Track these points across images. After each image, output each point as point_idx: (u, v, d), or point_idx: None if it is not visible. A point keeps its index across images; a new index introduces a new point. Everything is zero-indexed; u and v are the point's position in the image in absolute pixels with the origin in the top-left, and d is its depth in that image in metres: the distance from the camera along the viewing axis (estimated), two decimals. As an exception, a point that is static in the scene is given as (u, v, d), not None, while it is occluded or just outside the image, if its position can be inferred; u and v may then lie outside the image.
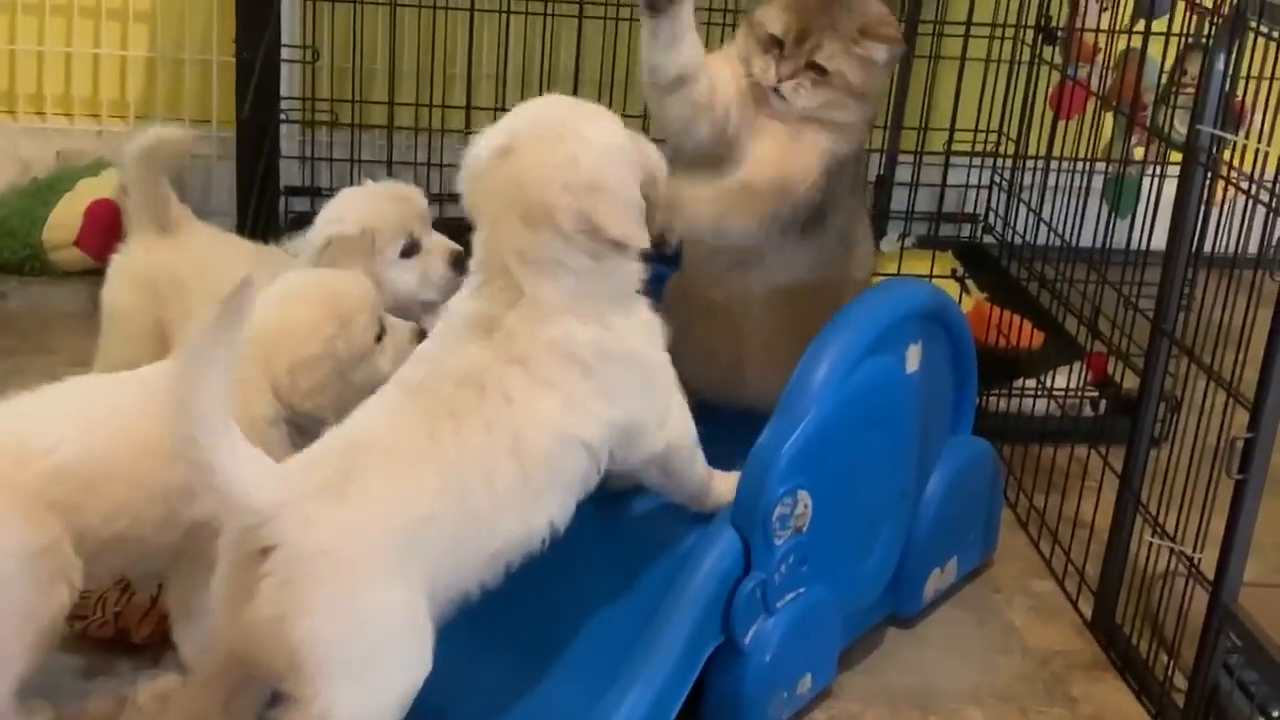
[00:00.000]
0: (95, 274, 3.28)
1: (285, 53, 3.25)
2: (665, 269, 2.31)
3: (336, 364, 1.96)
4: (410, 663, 1.67)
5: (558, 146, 1.79)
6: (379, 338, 2.01)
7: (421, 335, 2.04)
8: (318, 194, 3.39)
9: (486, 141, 1.83)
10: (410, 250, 2.22)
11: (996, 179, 3.46)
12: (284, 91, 3.34)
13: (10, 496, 1.77)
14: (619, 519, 2.08)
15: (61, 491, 1.80)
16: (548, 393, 1.77)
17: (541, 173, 1.79)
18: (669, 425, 1.91)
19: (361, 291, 2.02)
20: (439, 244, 2.25)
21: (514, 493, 1.75)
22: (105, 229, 3.28)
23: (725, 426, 2.20)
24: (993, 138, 3.34)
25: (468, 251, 1.92)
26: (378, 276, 2.15)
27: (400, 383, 1.80)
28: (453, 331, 1.82)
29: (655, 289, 2.27)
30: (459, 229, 3.30)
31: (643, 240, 1.83)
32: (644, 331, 1.88)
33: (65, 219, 3.26)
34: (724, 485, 2.02)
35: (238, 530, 1.63)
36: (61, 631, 1.86)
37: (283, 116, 3.32)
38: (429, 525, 1.69)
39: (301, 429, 1.94)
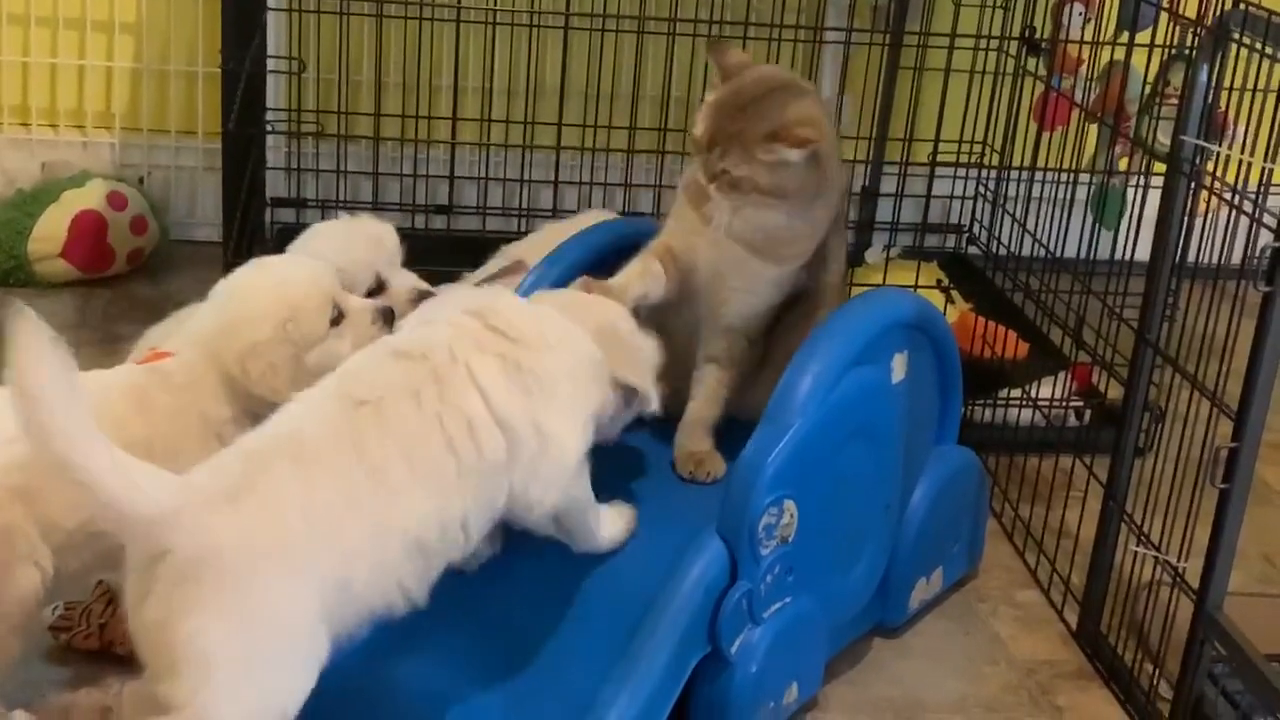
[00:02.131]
0: (81, 286, 3.29)
1: (271, 64, 3.25)
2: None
3: (290, 348, 1.95)
4: (296, 670, 1.64)
5: None
6: (336, 321, 2.02)
7: (387, 315, 2.06)
8: (304, 205, 3.40)
9: None
10: (377, 289, 2.26)
11: (981, 190, 3.47)
12: (270, 103, 3.34)
13: None
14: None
15: (23, 478, 1.80)
16: (481, 375, 1.78)
17: None
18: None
19: (310, 275, 2.02)
20: (405, 284, 2.28)
21: (434, 472, 1.73)
22: (91, 241, 3.28)
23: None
24: (977, 149, 3.36)
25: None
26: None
27: (321, 385, 1.80)
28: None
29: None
30: (444, 243, 3.33)
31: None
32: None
33: (51, 231, 3.25)
34: (611, 529, 2.00)
35: (133, 540, 1.62)
36: (43, 639, 1.86)
37: (269, 128, 3.32)
38: (335, 515, 1.66)
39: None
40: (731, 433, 2.17)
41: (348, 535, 1.67)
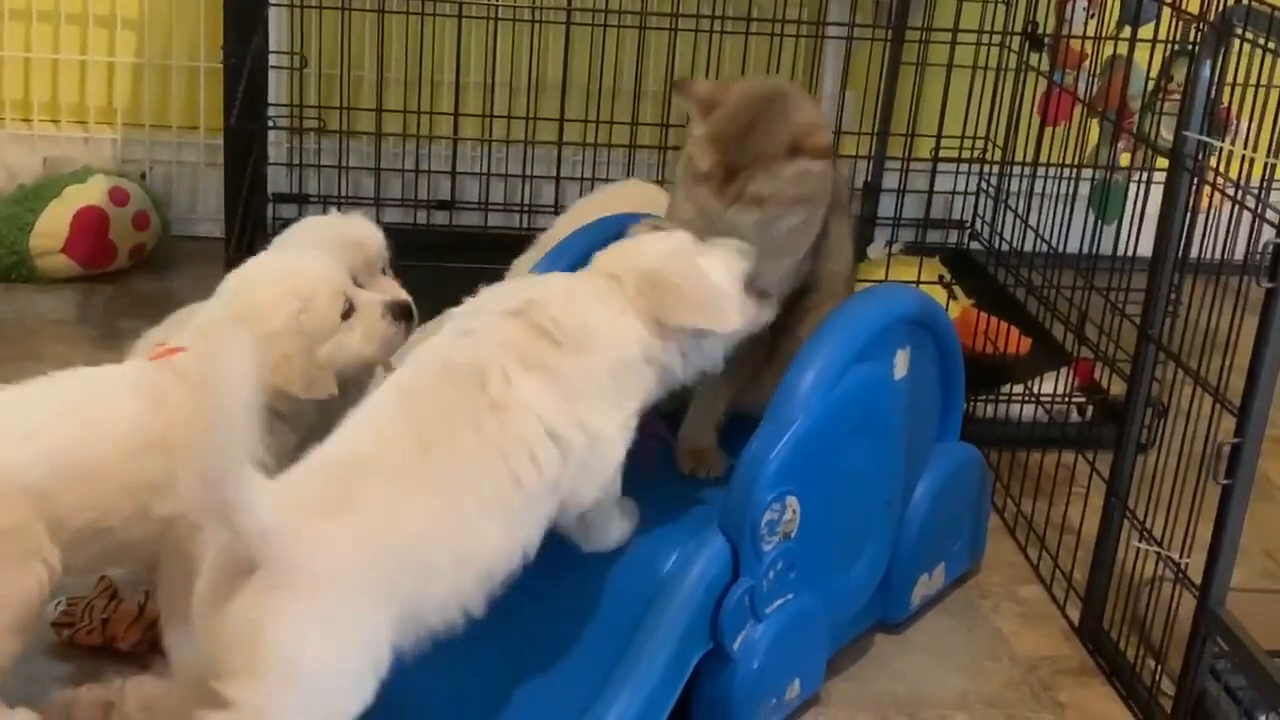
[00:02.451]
0: (83, 281, 3.29)
1: (273, 59, 3.25)
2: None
3: (302, 339, 1.96)
4: (365, 685, 1.65)
5: None
6: (347, 315, 2.02)
7: (397, 311, 2.06)
8: (306, 201, 3.39)
9: None
10: (347, 312, 2.16)
11: (983, 185, 3.47)
12: (272, 98, 3.34)
13: None
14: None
15: (34, 476, 1.81)
16: (535, 398, 1.78)
17: None
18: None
19: (320, 269, 2.02)
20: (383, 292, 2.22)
21: (502, 505, 1.75)
22: (93, 236, 3.28)
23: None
24: (980, 144, 3.35)
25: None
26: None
27: (381, 401, 1.80)
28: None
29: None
30: (446, 238, 3.33)
31: None
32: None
33: (52, 226, 3.25)
34: (621, 527, 1.99)
35: (228, 540, 1.62)
36: (46, 635, 1.86)
37: (270, 123, 3.32)
38: (421, 540, 1.69)
39: (279, 414, 1.95)
40: (740, 428, 2.17)
41: (429, 561, 1.69)
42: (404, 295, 2.20)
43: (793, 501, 2.00)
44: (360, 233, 2.27)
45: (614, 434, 1.83)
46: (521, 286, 1.94)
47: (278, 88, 3.38)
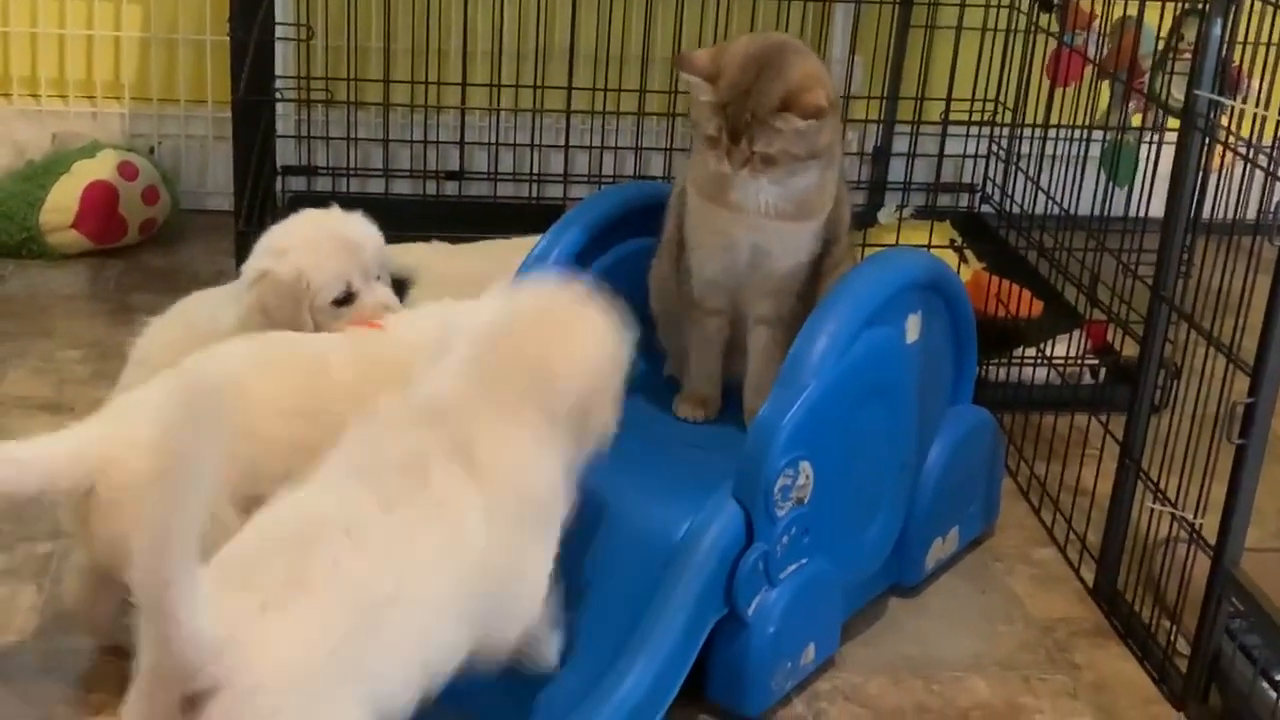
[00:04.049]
0: (93, 256, 3.30)
1: (280, 31, 3.24)
2: (642, 242, 2.32)
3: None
4: None
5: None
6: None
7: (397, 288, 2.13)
8: (314, 173, 3.40)
9: None
10: (345, 300, 2.17)
11: (994, 148, 3.46)
12: (279, 70, 3.33)
13: None
14: (620, 494, 2.07)
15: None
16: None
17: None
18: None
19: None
20: (375, 299, 2.21)
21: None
22: (103, 211, 3.28)
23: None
24: (990, 107, 3.34)
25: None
26: (306, 321, 2.14)
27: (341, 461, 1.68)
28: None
29: (637, 264, 2.29)
30: (454, 209, 3.33)
31: None
32: None
33: (62, 201, 3.26)
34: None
35: (170, 666, 1.45)
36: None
37: (278, 96, 3.32)
38: (389, 610, 1.56)
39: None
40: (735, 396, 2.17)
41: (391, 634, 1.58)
42: (395, 302, 2.21)
43: (806, 467, 2.00)
44: (357, 234, 2.21)
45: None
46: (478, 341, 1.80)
47: (284, 60, 3.37)
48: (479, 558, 1.66)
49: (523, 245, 2.27)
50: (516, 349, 1.77)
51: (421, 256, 2.59)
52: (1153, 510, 2.26)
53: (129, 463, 1.83)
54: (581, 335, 1.80)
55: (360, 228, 2.22)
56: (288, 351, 2.03)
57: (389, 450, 1.66)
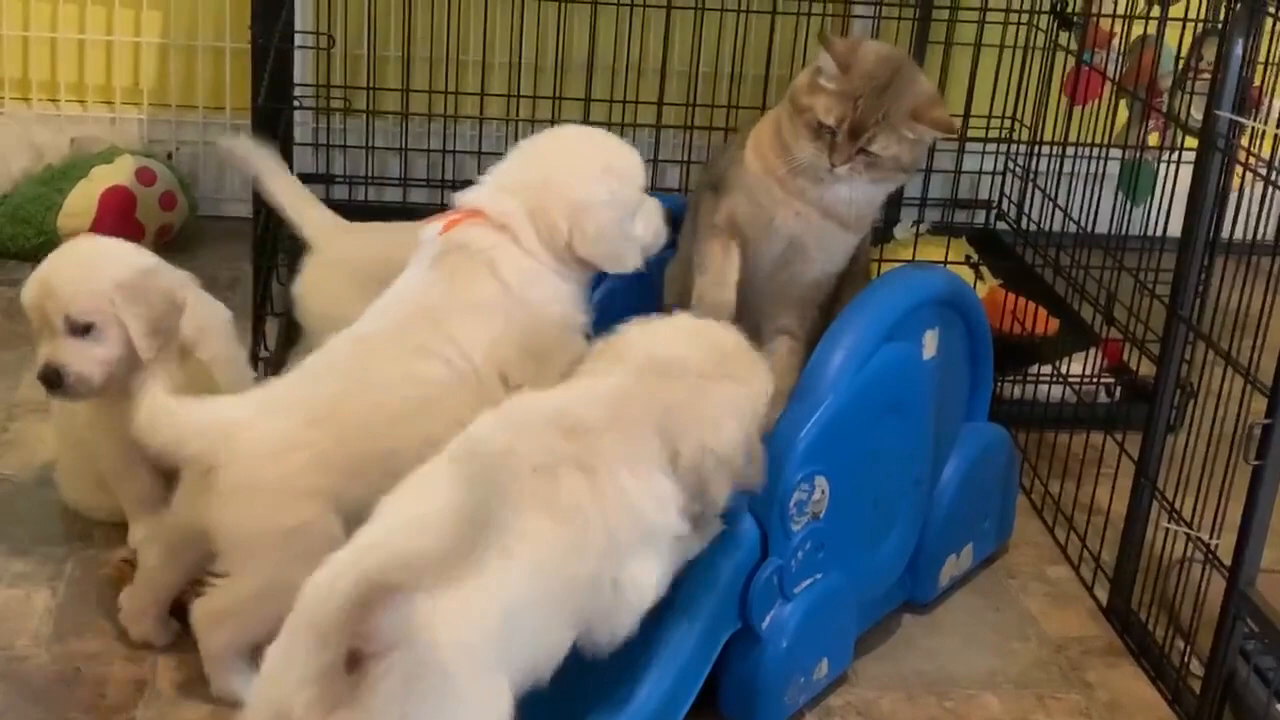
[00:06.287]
0: (110, 261, 3.30)
1: (299, 39, 3.25)
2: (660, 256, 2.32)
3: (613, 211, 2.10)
4: None
5: None
6: None
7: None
8: (332, 181, 3.40)
9: None
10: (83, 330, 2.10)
11: (1011, 165, 3.46)
12: (298, 78, 3.34)
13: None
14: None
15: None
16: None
17: None
18: None
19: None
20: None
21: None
22: (120, 216, 3.28)
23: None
24: (1007, 124, 3.34)
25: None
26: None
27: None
28: None
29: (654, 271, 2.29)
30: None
31: None
32: None
33: (80, 206, 3.26)
34: None
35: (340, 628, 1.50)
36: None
37: (296, 103, 3.32)
38: (534, 596, 1.68)
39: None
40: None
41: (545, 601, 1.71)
42: None
43: (821, 482, 2.00)
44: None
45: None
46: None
47: (304, 68, 3.38)
48: (594, 567, 1.74)
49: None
50: (655, 395, 1.82)
51: (322, 230, 2.58)
52: (1168, 530, 2.26)
53: (252, 464, 1.90)
54: (719, 405, 1.84)
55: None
56: None
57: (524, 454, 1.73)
